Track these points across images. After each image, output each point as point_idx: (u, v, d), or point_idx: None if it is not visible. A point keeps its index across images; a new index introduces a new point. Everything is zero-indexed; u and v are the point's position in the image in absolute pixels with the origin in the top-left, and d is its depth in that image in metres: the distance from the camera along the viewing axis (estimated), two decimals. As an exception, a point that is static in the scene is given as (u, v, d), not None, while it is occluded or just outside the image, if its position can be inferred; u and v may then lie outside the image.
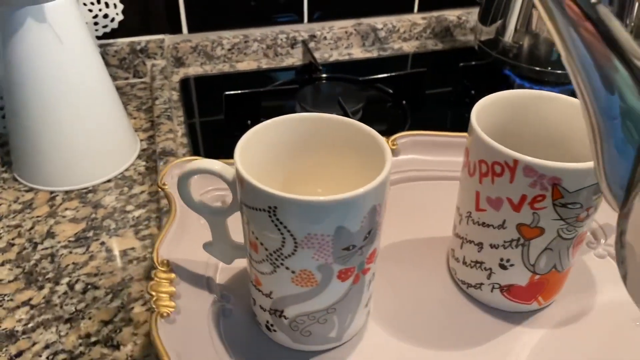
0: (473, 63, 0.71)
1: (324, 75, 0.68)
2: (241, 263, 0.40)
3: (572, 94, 0.27)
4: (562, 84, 0.68)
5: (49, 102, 0.55)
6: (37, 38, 0.52)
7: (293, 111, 0.66)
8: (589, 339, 0.37)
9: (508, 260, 0.36)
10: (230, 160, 0.32)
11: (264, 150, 0.35)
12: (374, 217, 0.31)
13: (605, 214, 0.36)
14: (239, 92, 0.62)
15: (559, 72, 0.67)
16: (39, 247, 0.52)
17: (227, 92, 0.62)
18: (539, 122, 0.38)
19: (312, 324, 0.34)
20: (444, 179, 0.49)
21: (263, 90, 0.64)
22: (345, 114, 0.59)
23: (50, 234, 0.53)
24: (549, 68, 0.67)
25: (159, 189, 0.45)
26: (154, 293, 0.36)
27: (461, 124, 0.67)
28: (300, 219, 0.29)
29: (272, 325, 0.36)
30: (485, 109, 0.36)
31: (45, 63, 0.53)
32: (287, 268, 0.32)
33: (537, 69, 0.67)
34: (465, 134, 0.50)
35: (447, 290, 0.41)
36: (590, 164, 0.31)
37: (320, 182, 0.37)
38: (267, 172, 0.34)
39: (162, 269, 0.38)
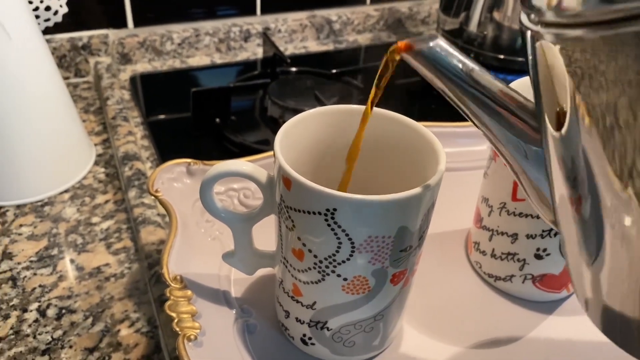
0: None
1: (293, 68, 0.65)
2: (255, 273, 0.36)
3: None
4: (525, 72, 0.69)
5: (-4, 106, 0.48)
6: (-18, 32, 0.46)
7: (263, 106, 0.63)
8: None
9: (545, 250, 0.35)
10: (235, 161, 0.29)
11: (297, 147, 0.31)
12: (430, 215, 0.29)
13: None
14: (207, 88, 0.58)
15: (521, 60, 0.68)
16: (-5, 270, 0.45)
17: (194, 89, 0.57)
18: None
19: (358, 334, 0.32)
20: (453, 170, 0.47)
21: (233, 85, 0.60)
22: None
23: (6, 255, 0.47)
24: (513, 56, 0.67)
25: (153, 197, 0.40)
26: (174, 314, 0.32)
27: (430, 114, 0.67)
28: (363, 221, 0.27)
29: (310, 338, 0.33)
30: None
31: (-8, 61, 0.47)
32: (338, 275, 0.29)
33: (502, 57, 0.68)
34: (467, 123, 0.50)
35: (472, 284, 0.40)
36: None
37: (355, 179, 0.34)
38: (302, 170, 0.31)
39: (177, 286, 0.34)
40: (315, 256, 0.29)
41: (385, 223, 0.27)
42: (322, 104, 0.58)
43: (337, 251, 0.28)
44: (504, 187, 0.35)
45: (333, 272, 0.29)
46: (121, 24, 0.72)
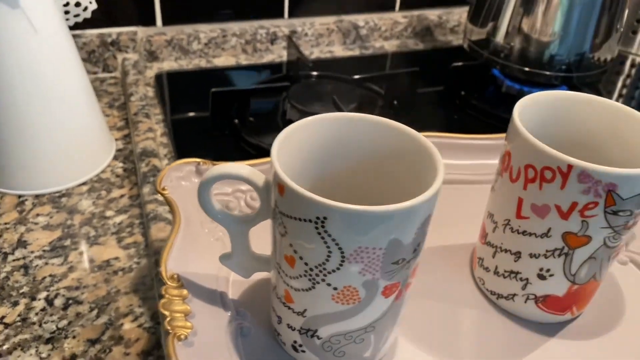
0: (465, 63, 0.70)
1: (315, 73, 0.65)
2: (254, 276, 0.36)
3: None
4: (551, 85, 0.67)
5: (20, 98, 0.49)
6: (9, 26, 0.47)
7: (283, 109, 0.63)
8: (624, 347, 0.36)
9: (548, 270, 0.34)
10: (250, 162, 0.29)
11: (295, 153, 0.31)
12: (425, 228, 0.29)
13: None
14: (227, 89, 0.58)
15: (548, 73, 0.66)
16: (10, 257, 0.47)
17: (214, 89, 0.58)
18: (574, 125, 0.36)
19: (348, 344, 0.31)
20: (462, 183, 0.47)
21: (253, 87, 0.60)
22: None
23: (21, 243, 0.48)
24: (539, 69, 0.66)
25: (160, 195, 0.41)
26: (167, 312, 0.32)
27: (452, 125, 0.66)
28: (353, 231, 0.26)
29: (300, 345, 0.33)
30: (525, 111, 0.34)
31: (17, 54, 0.48)
32: (328, 284, 0.29)
33: (527, 69, 0.66)
34: (483, 135, 0.49)
35: (474, 301, 0.39)
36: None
37: (353, 188, 0.33)
38: (300, 177, 0.31)
39: (173, 284, 0.34)
40: (306, 263, 0.29)
41: (376, 234, 0.27)
42: (339, 109, 0.58)
43: (327, 260, 0.28)
44: (509, 203, 0.35)
45: (323, 280, 0.29)
46: (150, 21, 0.73)
